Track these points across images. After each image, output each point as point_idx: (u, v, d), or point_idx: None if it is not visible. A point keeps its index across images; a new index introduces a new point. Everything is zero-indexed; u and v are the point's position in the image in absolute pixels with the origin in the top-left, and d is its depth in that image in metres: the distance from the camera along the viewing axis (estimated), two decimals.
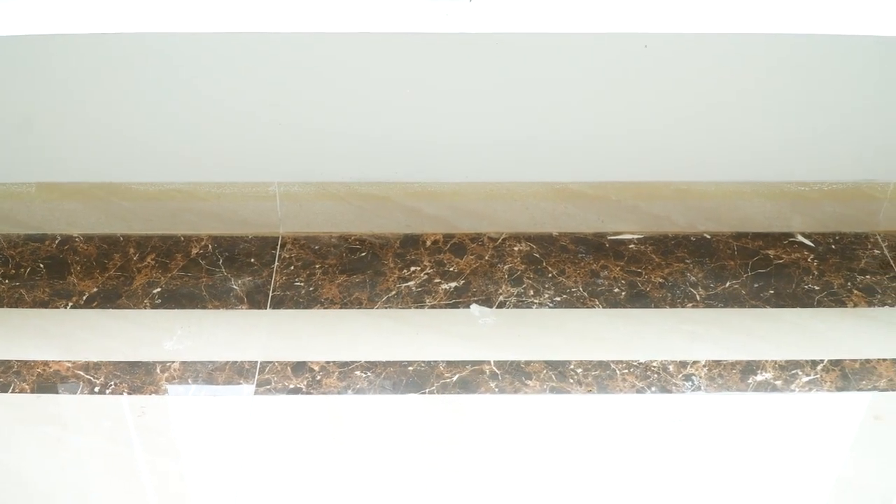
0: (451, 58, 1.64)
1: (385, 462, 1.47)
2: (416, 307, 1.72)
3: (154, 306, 1.73)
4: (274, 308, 1.72)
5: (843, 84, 1.69)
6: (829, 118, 1.74)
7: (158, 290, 1.76)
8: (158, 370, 1.62)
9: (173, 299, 1.74)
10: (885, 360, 1.64)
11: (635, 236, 1.86)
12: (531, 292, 1.75)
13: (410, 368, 1.61)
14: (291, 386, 1.59)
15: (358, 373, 1.61)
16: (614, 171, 1.79)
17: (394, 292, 1.75)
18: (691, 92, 1.69)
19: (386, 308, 1.72)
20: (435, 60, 1.65)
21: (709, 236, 1.87)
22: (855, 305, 1.74)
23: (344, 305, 1.73)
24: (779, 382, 1.60)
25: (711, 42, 1.63)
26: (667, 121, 1.73)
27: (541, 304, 1.73)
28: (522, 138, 1.75)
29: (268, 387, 1.59)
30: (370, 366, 1.62)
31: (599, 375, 1.60)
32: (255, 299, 1.74)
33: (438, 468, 1.46)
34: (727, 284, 1.77)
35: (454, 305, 1.72)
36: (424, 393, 1.57)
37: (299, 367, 1.61)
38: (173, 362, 1.63)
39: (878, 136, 1.76)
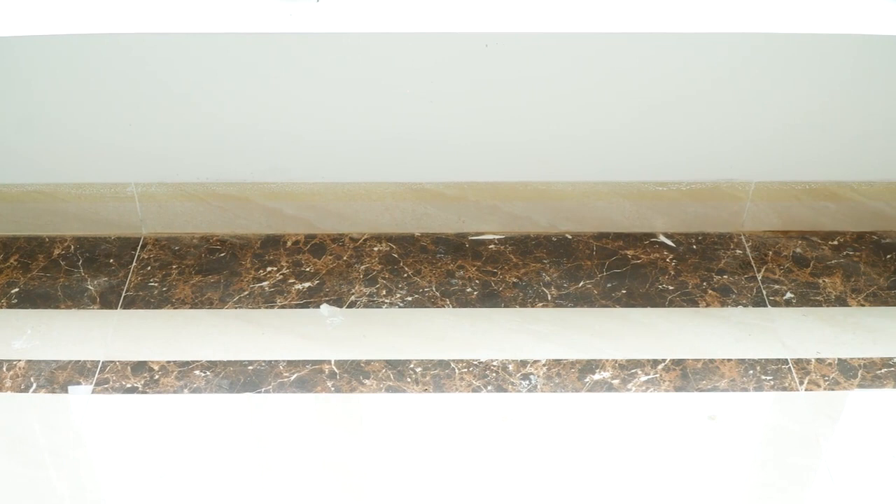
0: (301, 57, 1.65)
1: (209, 461, 1.47)
2: (267, 307, 1.72)
3: (10, 306, 1.74)
4: (125, 308, 1.73)
5: (701, 83, 1.69)
6: (687, 118, 1.73)
7: (17, 290, 1.77)
8: (4, 368, 1.62)
9: (29, 300, 1.75)
10: (728, 360, 1.63)
11: (496, 236, 1.86)
12: (384, 292, 1.75)
13: (250, 368, 1.61)
14: (129, 385, 1.59)
15: (197, 372, 1.61)
16: (471, 172, 1.79)
17: (246, 293, 1.75)
18: (546, 93, 1.69)
19: (236, 308, 1.72)
20: (285, 60, 1.65)
21: (570, 236, 1.86)
22: (707, 305, 1.73)
23: (194, 306, 1.73)
24: (616, 381, 1.59)
25: (576, 42, 1.63)
26: (522, 121, 1.73)
27: (391, 304, 1.73)
28: (379, 139, 1.75)
29: (106, 386, 1.59)
30: (210, 365, 1.62)
31: (438, 375, 1.60)
32: (108, 299, 1.75)
33: (262, 467, 1.45)
34: (580, 284, 1.76)
35: (305, 305, 1.72)
36: (260, 392, 1.57)
37: (139, 367, 1.61)
38: (19, 361, 1.64)
39: (736, 136, 1.76)
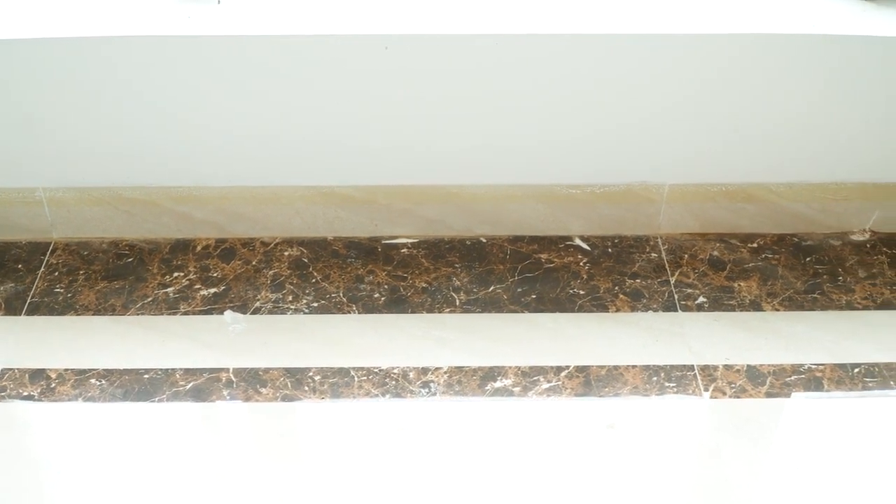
0: (204, 60, 1.62)
1: (94, 472, 1.45)
2: (169, 314, 1.70)
3: None
4: (29, 315, 1.70)
5: (611, 85, 1.66)
6: (599, 120, 1.70)
7: None
8: None
9: None
10: (633, 366, 1.60)
11: (410, 240, 1.83)
12: (290, 298, 1.72)
13: (146, 377, 1.59)
14: (25, 393, 1.57)
15: (93, 380, 1.58)
16: (381, 175, 1.76)
17: (150, 299, 1.73)
18: (454, 95, 1.66)
19: (138, 315, 1.70)
20: (187, 63, 1.62)
21: (485, 240, 1.84)
22: (617, 310, 1.70)
23: (98, 312, 1.71)
24: (517, 389, 1.56)
25: (482, 43, 1.60)
26: (431, 124, 1.70)
27: (296, 310, 1.70)
28: (286, 142, 1.72)
29: (3, 394, 1.57)
30: (107, 373, 1.59)
31: (337, 383, 1.57)
32: (13, 305, 1.72)
33: (147, 479, 1.43)
34: (490, 289, 1.74)
35: (208, 312, 1.70)
36: (153, 401, 1.55)
37: (37, 375, 1.59)
38: None
39: (648, 139, 1.73)
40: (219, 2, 1.67)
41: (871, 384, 1.58)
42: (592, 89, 1.66)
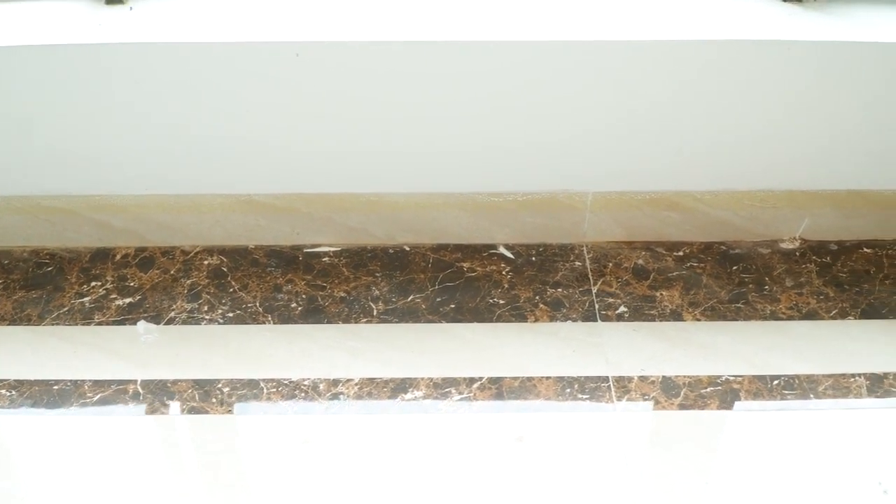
0: (117, 67, 1.59)
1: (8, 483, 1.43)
2: (84, 324, 1.68)
3: None
4: None
5: (532, 92, 1.64)
6: (520, 128, 1.68)
7: None
8: None
9: None
10: (547, 378, 1.58)
11: (332, 249, 1.81)
12: (206, 308, 1.70)
13: (56, 388, 1.57)
14: None
15: (3, 391, 1.57)
16: (300, 183, 1.74)
17: (66, 308, 1.71)
18: (370, 102, 1.64)
19: (53, 325, 1.68)
20: (101, 70, 1.60)
21: (408, 248, 1.82)
22: (536, 320, 1.68)
23: (13, 322, 1.69)
24: (428, 401, 1.54)
25: (399, 51, 1.58)
26: (350, 132, 1.68)
27: (211, 321, 1.68)
28: (202, 150, 1.70)
29: None
30: (17, 384, 1.58)
31: (245, 395, 1.55)
32: None
33: (48, 490, 1.42)
34: (409, 298, 1.72)
35: (122, 322, 1.68)
36: (60, 413, 1.53)
37: None
38: None
39: (571, 146, 1.70)
40: (131, 8, 1.65)
41: (789, 396, 1.56)
42: (512, 96, 1.64)
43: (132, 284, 1.75)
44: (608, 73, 1.61)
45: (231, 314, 1.69)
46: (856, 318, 1.70)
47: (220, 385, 1.57)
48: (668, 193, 1.76)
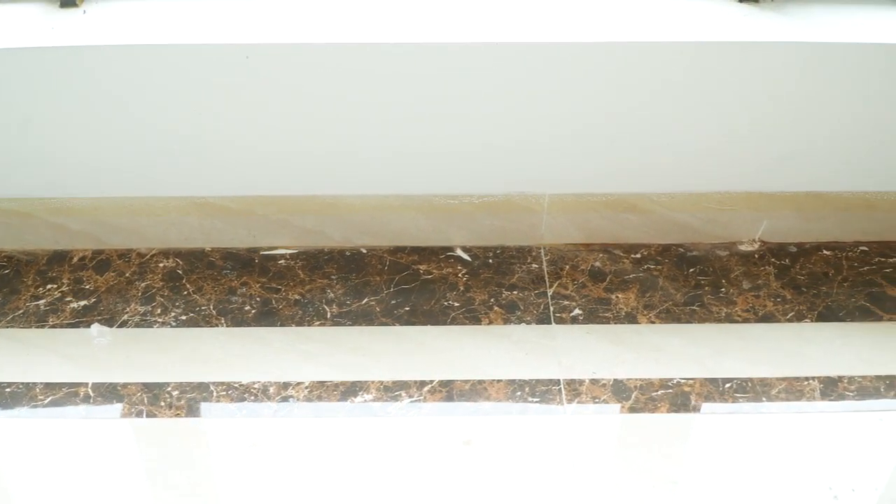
0: (68, 70, 1.59)
1: None
2: (38, 327, 1.68)
3: None
4: None
5: (488, 94, 1.63)
6: (475, 130, 1.67)
7: None
8: None
9: None
10: (499, 381, 1.58)
11: (289, 251, 1.81)
12: (159, 311, 1.70)
13: (8, 390, 1.57)
14: None
15: None
16: (255, 186, 1.74)
17: (21, 311, 1.71)
18: (325, 104, 1.64)
19: (8, 328, 1.67)
20: (52, 73, 1.59)
21: (365, 251, 1.81)
22: (490, 323, 1.68)
23: None
24: (377, 404, 1.54)
25: (350, 53, 1.58)
26: (304, 134, 1.67)
27: (164, 324, 1.68)
28: (156, 152, 1.69)
29: None
30: None
31: (195, 398, 1.55)
32: None
33: (8, 491, 1.42)
34: (364, 301, 1.71)
35: (76, 325, 1.68)
36: (12, 415, 1.53)
37: None
38: None
39: (526, 148, 1.70)
40: (84, 11, 1.65)
41: (741, 399, 1.55)
42: (467, 98, 1.63)
43: (88, 287, 1.75)
44: (563, 75, 1.61)
45: (184, 317, 1.69)
46: (812, 321, 1.69)
47: (169, 388, 1.57)
48: (626, 195, 1.75)
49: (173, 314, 1.69)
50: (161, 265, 1.79)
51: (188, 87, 1.61)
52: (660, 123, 1.67)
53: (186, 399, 1.55)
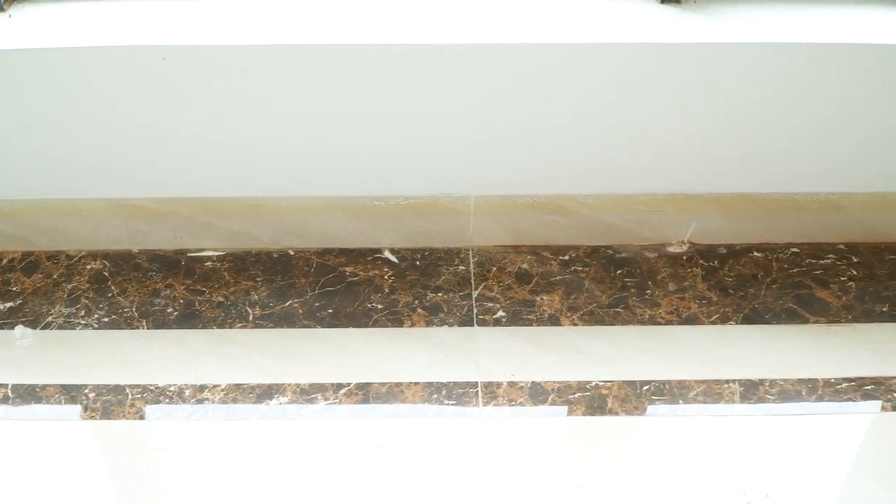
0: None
1: None
2: None
3: None
4: None
5: (413, 95, 1.63)
6: (400, 131, 1.67)
7: None
8: None
9: None
10: (416, 383, 1.57)
11: (216, 253, 1.81)
12: (83, 313, 1.70)
13: None
14: None
15: None
16: (180, 187, 1.74)
17: None
18: (246, 104, 1.63)
19: None
20: None
21: (293, 252, 1.81)
22: (412, 325, 1.67)
23: None
24: (292, 407, 1.54)
25: (268, 54, 1.57)
26: (228, 134, 1.67)
27: (86, 326, 1.68)
28: (78, 153, 1.69)
29: None
30: None
31: (110, 400, 1.55)
32: None
33: None
34: (288, 303, 1.71)
35: (1, 327, 1.68)
36: None
37: None
38: None
39: (452, 150, 1.70)
40: (10, 15, 1.65)
41: (657, 401, 1.55)
42: (391, 100, 1.63)
43: (14, 289, 1.75)
44: (486, 76, 1.60)
45: (106, 319, 1.69)
46: (737, 323, 1.68)
47: (86, 390, 1.57)
48: (552, 197, 1.75)
49: (96, 316, 1.69)
50: (88, 267, 1.79)
51: (111, 90, 1.61)
52: (584, 125, 1.67)
53: (102, 401, 1.55)
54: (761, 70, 1.61)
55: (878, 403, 1.57)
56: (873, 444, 1.50)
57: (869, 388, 1.58)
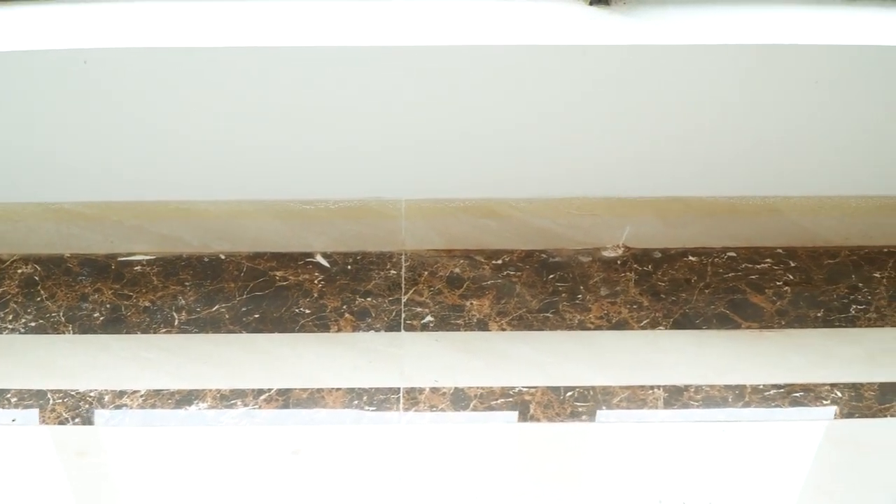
0: None
1: None
2: None
3: None
4: None
5: (340, 97, 1.61)
6: (328, 133, 1.66)
7: None
8: None
9: None
10: (337, 389, 1.56)
11: (147, 257, 1.80)
12: (10, 317, 1.69)
13: None
14: None
15: None
16: (109, 191, 1.73)
17: None
18: (164, 107, 1.62)
19: None
20: None
21: (224, 257, 1.80)
22: (339, 330, 1.66)
23: None
24: (211, 413, 1.53)
25: (193, 57, 1.56)
26: (155, 138, 1.66)
27: (13, 330, 1.67)
28: (8, 157, 1.69)
29: None
30: None
31: (31, 405, 1.54)
32: None
33: None
34: (214, 308, 1.70)
35: None
36: None
37: None
38: None
39: (381, 153, 1.68)
40: None
41: (580, 408, 1.53)
42: (317, 101, 1.61)
43: None
44: (416, 78, 1.59)
45: (34, 323, 1.68)
46: (667, 329, 1.67)
47: (8, 395, 1.56)
48: (484, 201, 1.74)
49: (23, 321, 1.69)
50: (20, 271, 1.78)
51: (32, 94, 1.60)
52: (514, 128, 1.65)
53: (23, 406, 1.54)
54: (691, 72, 1.60)
55: (805, 410, 1.55)
56: (797, 452, 1.49)
57: (798, 394, 1.57)
